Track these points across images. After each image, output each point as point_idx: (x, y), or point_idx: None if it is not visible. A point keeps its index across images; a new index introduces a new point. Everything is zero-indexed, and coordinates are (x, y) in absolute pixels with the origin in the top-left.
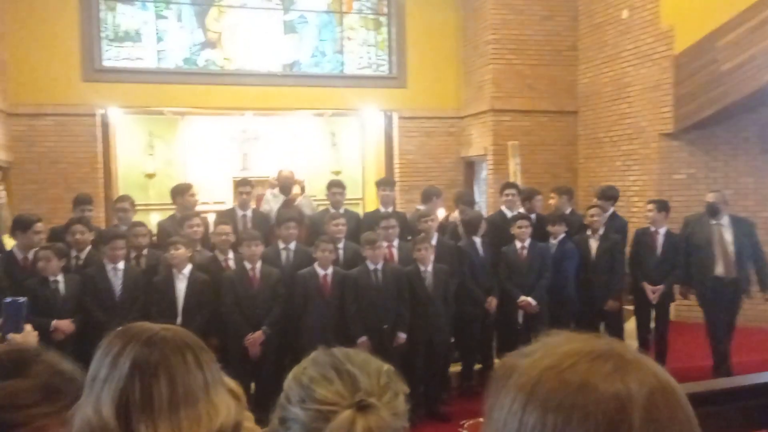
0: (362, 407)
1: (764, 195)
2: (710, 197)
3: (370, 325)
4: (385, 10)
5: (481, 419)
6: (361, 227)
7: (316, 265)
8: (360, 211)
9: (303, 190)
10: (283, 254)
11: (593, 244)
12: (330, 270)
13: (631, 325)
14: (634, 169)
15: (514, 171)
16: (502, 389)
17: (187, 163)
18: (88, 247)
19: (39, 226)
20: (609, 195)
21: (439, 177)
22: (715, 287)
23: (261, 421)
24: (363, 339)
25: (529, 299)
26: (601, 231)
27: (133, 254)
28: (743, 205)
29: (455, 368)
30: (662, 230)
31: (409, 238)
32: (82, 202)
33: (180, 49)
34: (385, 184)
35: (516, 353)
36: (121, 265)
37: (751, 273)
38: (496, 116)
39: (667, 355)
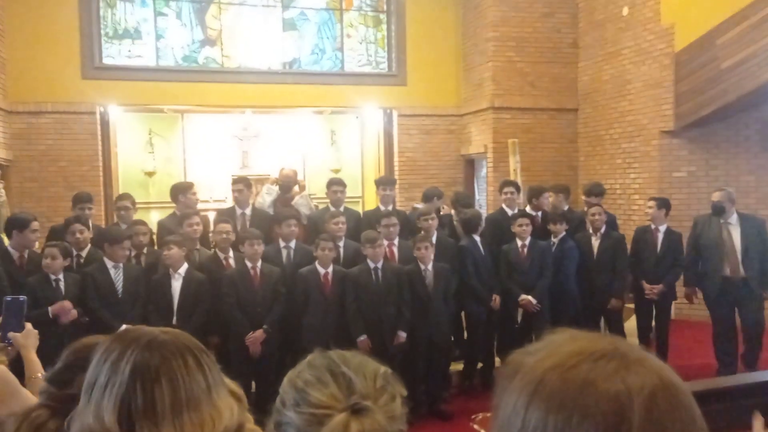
0: (357, 410)
1: (765, 193)
2: (715, 196)
3: (371, 323)
4: (385, 7)
5: (489, 414)
6: (361, 226)
7: (316, 264)
8: (359, 209)
9: (302, 189)
10: (284, 253)
11: (595, 243)
12: (330, 268)
13: (631, 324)
14: (634, 166)
15: (515, 169)
16: (508, 387)
17: (187, 160)
18: (88, 246)
19: (35, 224)
20: (596, 192)
21: (439, 175)
22: (723, 287)
23: (261, 422)
24: (363, 338)
25: (530, 298)
26: (602, 229)
27: (133, 252)
28: (744, 203)
29: (456, 367)
30: (662, 228)
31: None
32: (81, 200)
33: (180, 47)
34: (385, 183)
35: (521, 351)
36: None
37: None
38: (497, 114)
39: (668, 353)
